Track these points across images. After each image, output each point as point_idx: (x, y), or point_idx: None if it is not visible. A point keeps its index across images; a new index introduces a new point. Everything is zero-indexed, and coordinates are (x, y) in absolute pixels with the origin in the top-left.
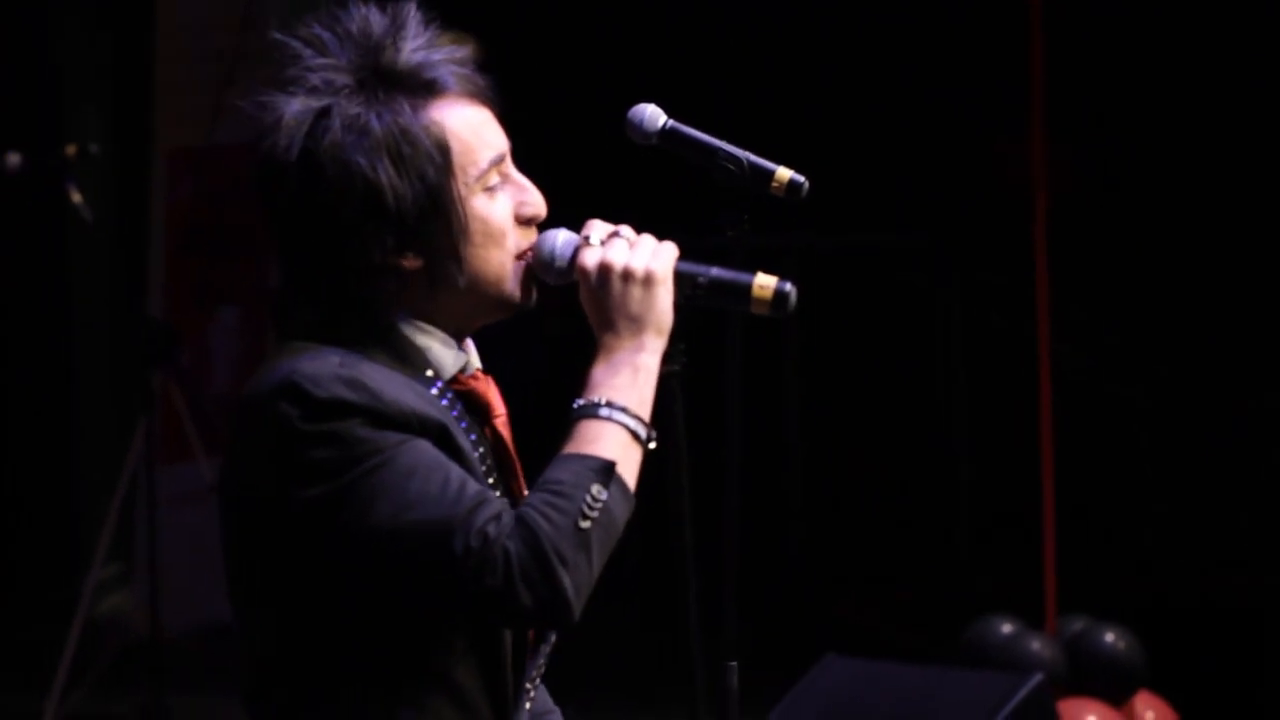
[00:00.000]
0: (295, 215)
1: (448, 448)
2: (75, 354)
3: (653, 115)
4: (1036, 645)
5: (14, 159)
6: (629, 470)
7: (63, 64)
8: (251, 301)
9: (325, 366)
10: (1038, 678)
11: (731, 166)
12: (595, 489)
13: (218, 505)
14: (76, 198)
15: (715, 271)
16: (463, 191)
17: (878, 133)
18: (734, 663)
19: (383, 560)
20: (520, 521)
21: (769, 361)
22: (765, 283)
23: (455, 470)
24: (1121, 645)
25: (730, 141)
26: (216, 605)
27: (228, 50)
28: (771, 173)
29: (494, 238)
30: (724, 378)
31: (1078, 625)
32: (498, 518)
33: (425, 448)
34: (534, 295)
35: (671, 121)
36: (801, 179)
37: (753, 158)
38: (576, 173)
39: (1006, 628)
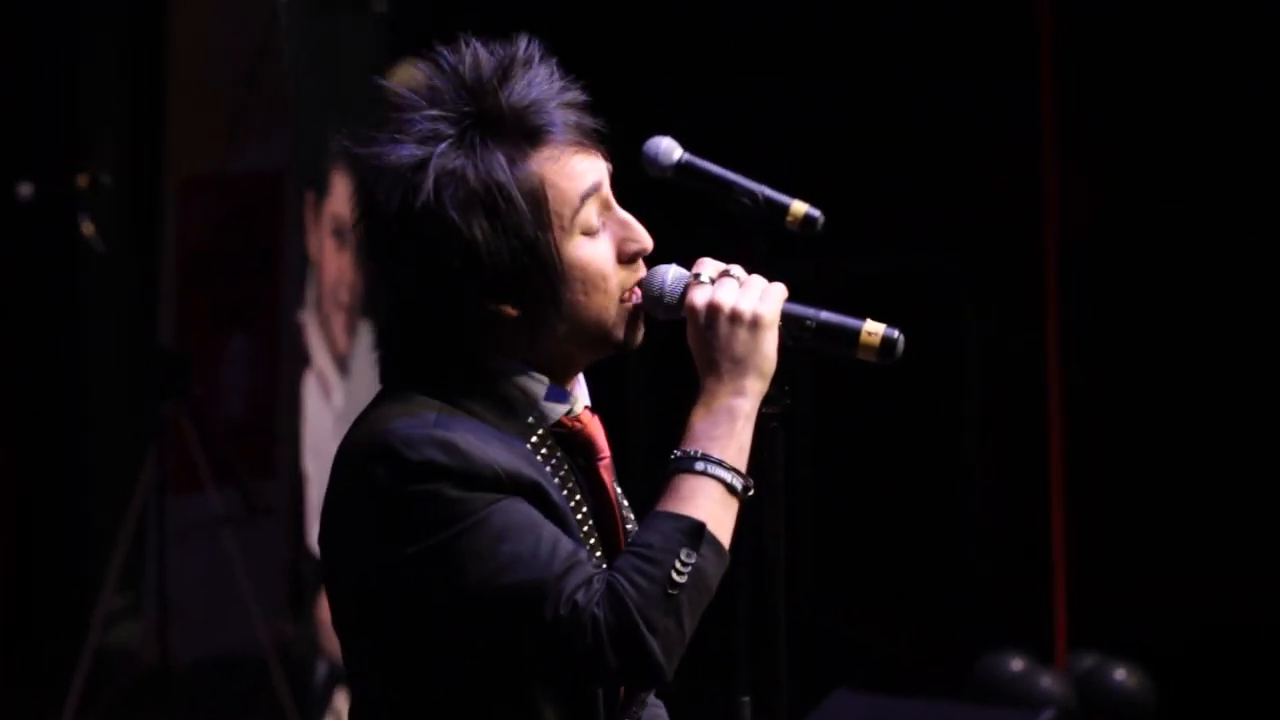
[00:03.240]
0: (394, 264)
1: (542, 505)
2: (86, 383)
3: (668, 149)
4: (1046, 681)
5: (25, 189)
6: (723, 527)
7: (75, 94)
8: (263, 331)
9: (420, 427)
10: (1048, 714)
11: (747, 200)
12: (684, 553)
13: (319, 547)
14: (88, 229)
15: (825, 315)
16: (559, 238)
17: (888, 156)
18: (746, 698)
19: (475, 622)
20: (609, 588)
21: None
22: (874, 329)
23: (548, 530)
24: (1132, 682)
25: (744, 169)
26: (226, 635)
27: (241, 79)
28: (787, 207)
29: (594, 282)
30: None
31: (1088, 662)
32: (588, 583)
33: (518, 507)
34: (640, 335)
35: (687, 155)
36: (817, 213)
37: (768, 191)
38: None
39: (1016, 663)
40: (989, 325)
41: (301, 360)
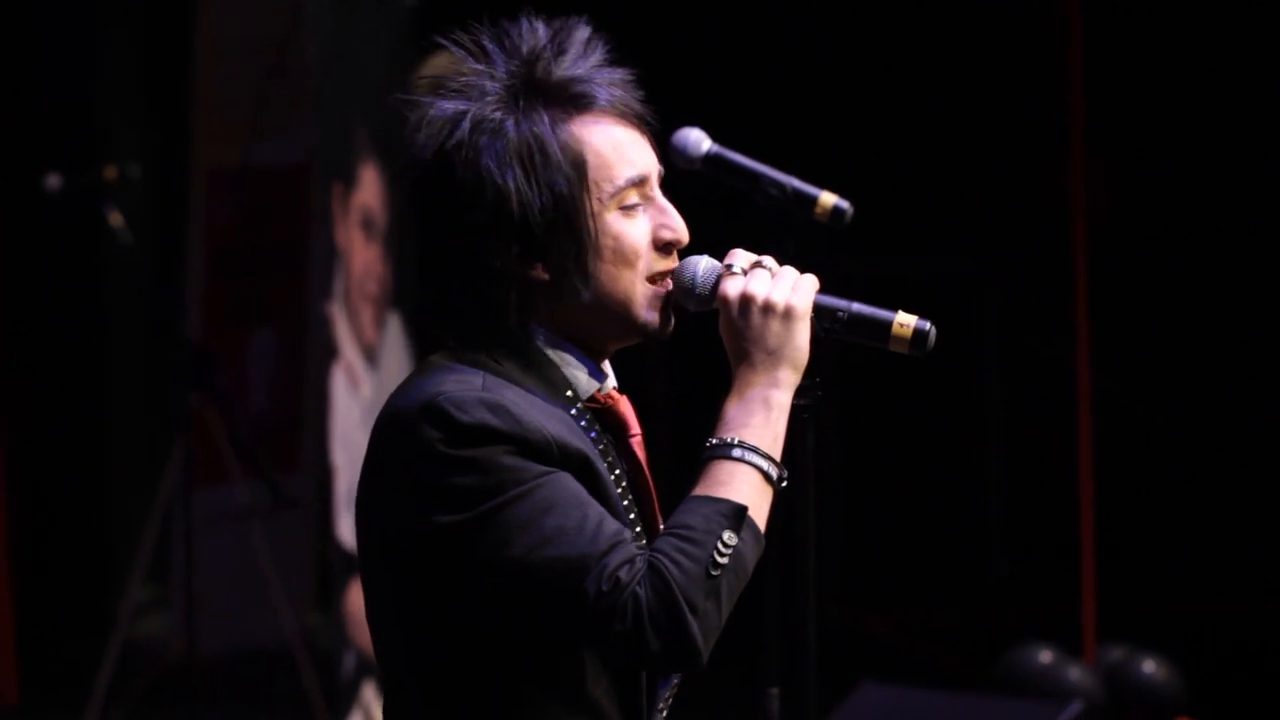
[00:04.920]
0: (429, 214)
1: (589, 478)
2: (112, 375)
3: (696, 140)
4: (1075, 673)
5: (53, 181)
6: (760, 513)
7: (101, 85)
8: (289, 323)
9: (469, 390)
10: (1076, 706)
11: (774, 192)
12: (727, 535)
13: (355, 519)
14: (115, 220)
15: (856, 307)
16: (595, 207)
17: (915, 156)
18: (775, 689)
19: (516, 592)
20: (652, 568)
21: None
22: (905, 321)
23: (594, 507)
24: (1160, 674)
25: (773, 165)
26: (252, 628)
27: (268, 71)
28: (815, 198)
29: (625, 257)
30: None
31: (1117, 654)
32: (631, 561)
33: (566, 481)
34: (671, 324)
35: (716, 147)
36: (845, 205)
37: (796, 183)
38: None
39: (1045, 656)
40: (1019, 319)
41: (330, 353)
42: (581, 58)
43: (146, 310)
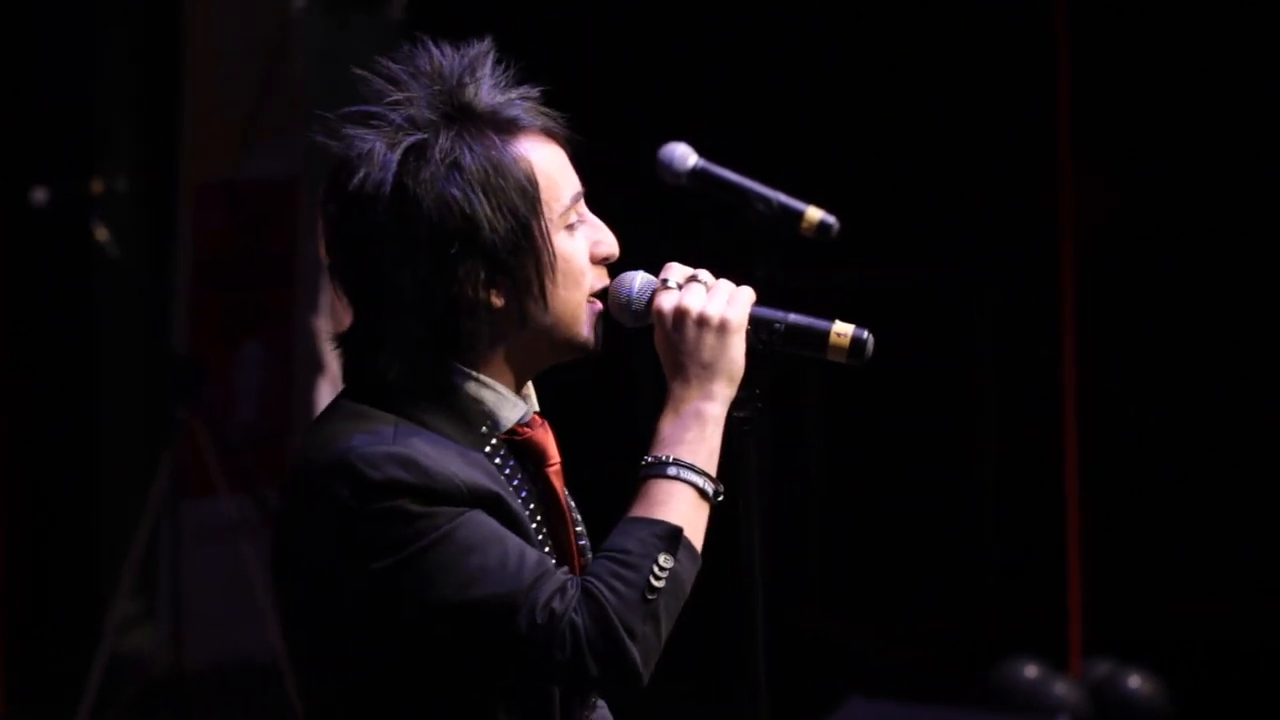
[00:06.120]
0: (386, 250)
1: (502, 515)
2: (100, 388)
3: (683, 155)
4: (1061, 688)
5: (40, 194)
6: (696, 531)
7: (89, 99)
8: (277, 336)
9: (379, 443)
10: None
11: (761, 206)
12: (663, 558)
13: (271, 571)
14: (102, 234)
15: (793, 318)
16: (549, 228)
17: (905, 168)
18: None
19: (446, 635)
20: (586, 594)
21: (791, 396)
22: (843, 330)
23: (513, 541)
24: (1146, 689)
25: (760, 179)
26: (240, 640)
27: (257, 83)
28: (801, 213)
29: (574, 277)
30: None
31: (1103, 668)
32: (562, 590)
33: (481, 520)
34: (601, 340)
35: (702, 161)
36: (831, 219)
37: (783, 197)
38: (604, 213)
39: (1031, 670)
40: (1004, 333)
41: (317, 365)
42: (499, 80)
43: (135, 323)
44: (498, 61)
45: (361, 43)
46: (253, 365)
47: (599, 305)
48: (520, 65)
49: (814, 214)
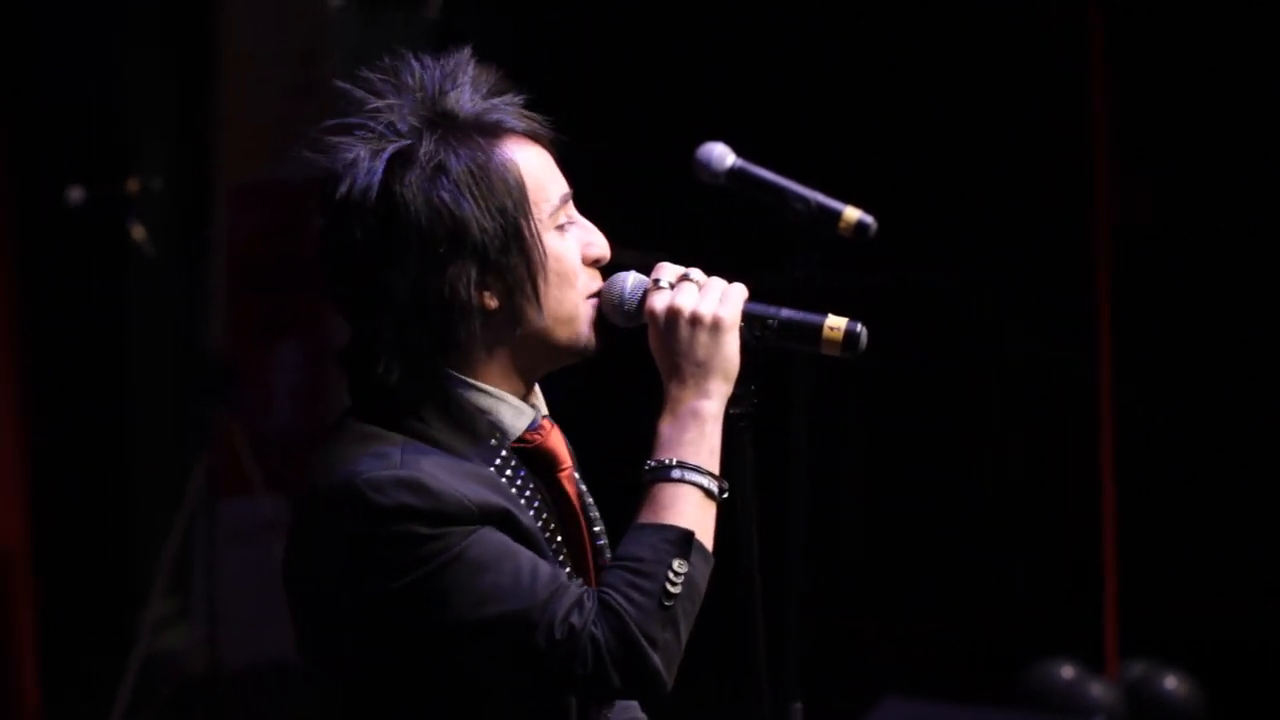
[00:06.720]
0: (375, 257)
1: (513, 531)
2: (135, 388)
3: (720, 155)
4: (1097, 689)
5: (76, 193)
6: (706, 531)
7: (126, 98)
8: (312, 336)
9: (386, 468)
10: None
11: (799, 206)
12: (677, 564)
13: (285, 588)
14: (138, 233)
15: (785, 313)
16: (538, 228)
17: (937, 169)
18: (799, 704)
19: (463, 655)
20: (604, 606)
21: (828, 401)
22: (836, 324)
23: (525, 556)
24: (1182, 690)
25: (797, 179)
26: (274, 641)
27: (292, 85)
28: (839, 213)
29: (567, 277)
30: (787, 418)
31: (1139, 669)
32: (579, 604)
33: (492, 537)
34: (598, 341)
35: (740, 161)
36: (869, 219)
37: (820, 197)
38: (644, 212)
39: (1067, 671)
40: (1040, 333)
41: None
42: (480, 88)
43: (170, 322)
44: (479, 69)
45: (397, 42)
46: (287, 367)
47: (594, 306)
48: (553, 65)
49: (852, 214)
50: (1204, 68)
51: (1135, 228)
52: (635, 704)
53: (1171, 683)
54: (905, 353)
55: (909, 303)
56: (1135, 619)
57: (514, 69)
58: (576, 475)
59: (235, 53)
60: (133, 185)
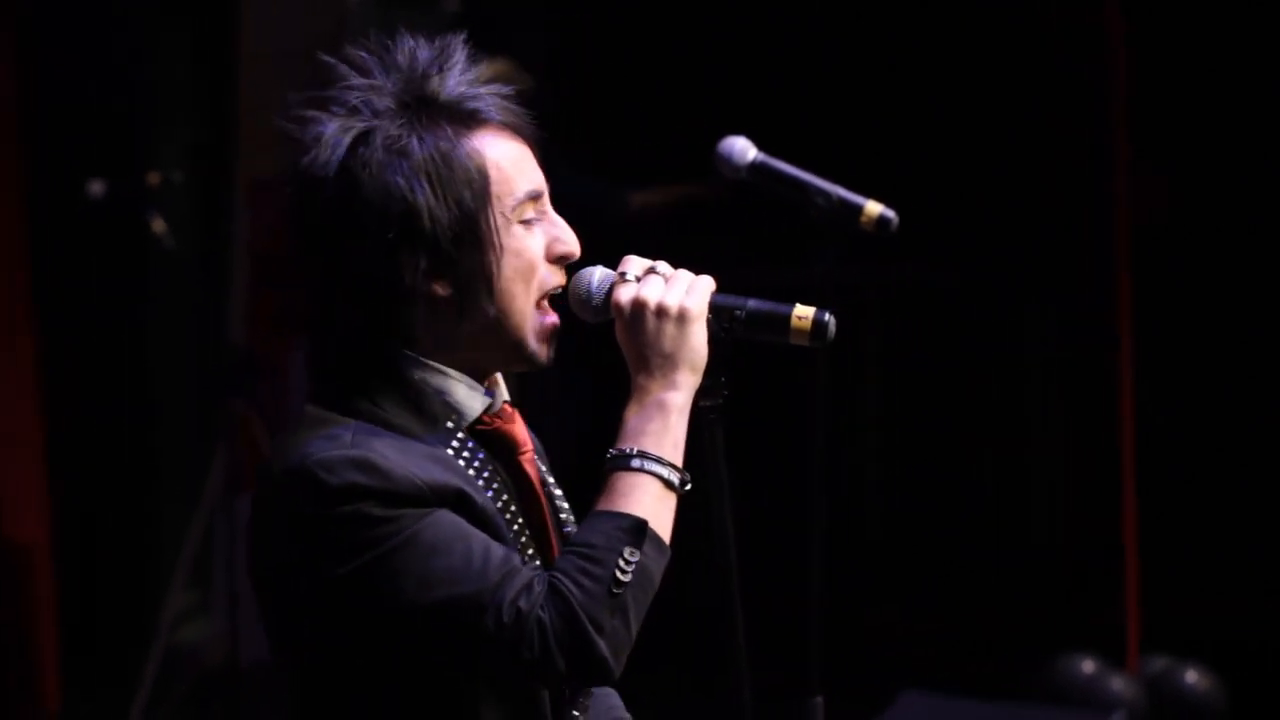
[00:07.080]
0: (329, 234)
1: (467, 511)
2: (155, 381)
3: (742, 149)
4: (1118, 684)
5: (97, 186)
6: (663, 522)
7: (147, 92)
8: None
9: (337, 448)
10: (1118, 717)
11: (821, 201)
12: (628, 551)
13: (249, 578)
14: (159, 226)
15: (753, 304)
16: (499, 221)
17: (957, 166)
18: (820, 698)
19: (414, 637)
20: (553, 590)
21: (848, 397)
22: (804, 313)
23: (478, 539)
24: (1203, 685)
25: (818, 173)
26: None
27: (312, 79)
28: (861, 208)
29: (523, 272)
30: (807, 409)
31: (1159, 664)
32: (529, 588)
33: (445, 519)
34: (552, 354)
35: (761, 155)
36: (891, 214)
37: (842, 192)
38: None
39: (1088, 665)
40: (1061, 328)
41: None
42: (467, 75)
43: (190, 315)
44: (473, 57)
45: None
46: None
47: (552, 317)
48: (573, 60)
49: (873, 208)
50: (1225, 66)
51: (1156, 226)
52: (615, 697)
53: (1192, 677)
54: (926, 348)
55: (930, 299)
56: (1156, 613)
57: (535, 64)
58: (538, 460)
59: (255, 45)
60: (153, 179)
